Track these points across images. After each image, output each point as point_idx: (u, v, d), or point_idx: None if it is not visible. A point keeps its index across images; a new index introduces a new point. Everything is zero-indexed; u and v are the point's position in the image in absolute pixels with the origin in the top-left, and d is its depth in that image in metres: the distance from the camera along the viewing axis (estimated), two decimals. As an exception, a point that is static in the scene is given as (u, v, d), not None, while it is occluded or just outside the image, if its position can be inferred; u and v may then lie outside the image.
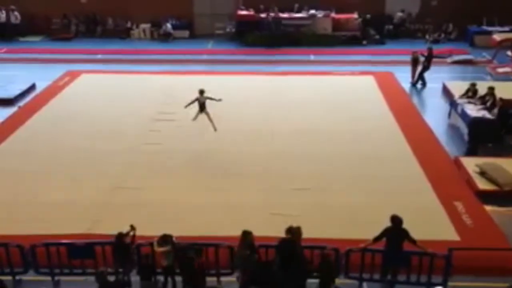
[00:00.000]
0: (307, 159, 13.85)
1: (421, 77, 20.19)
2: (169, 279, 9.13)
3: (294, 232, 8.68)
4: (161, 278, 9.21)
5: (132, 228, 9.14)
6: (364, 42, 26.92)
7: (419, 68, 20.28)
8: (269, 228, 10.41)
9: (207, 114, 14.68)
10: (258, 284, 8.30)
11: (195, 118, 14.76)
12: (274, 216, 11.18)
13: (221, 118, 16.52)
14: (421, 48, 21.51)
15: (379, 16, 28.39)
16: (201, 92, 14.52)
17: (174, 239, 9.02)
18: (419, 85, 20.25)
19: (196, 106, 14.67)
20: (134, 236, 9.14)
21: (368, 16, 27.67)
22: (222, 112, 17.01)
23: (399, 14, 28.21)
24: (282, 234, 9.92)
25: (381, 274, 9.25)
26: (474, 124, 14.92)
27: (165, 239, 8.93)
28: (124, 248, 9.01)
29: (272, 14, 26.83)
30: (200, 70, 22.33)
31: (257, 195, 12.17)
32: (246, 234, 8.72)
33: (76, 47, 26.66)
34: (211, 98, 14.61)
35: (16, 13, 27.95)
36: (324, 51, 25.37)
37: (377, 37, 27.40)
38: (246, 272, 8.65)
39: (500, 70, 21.45)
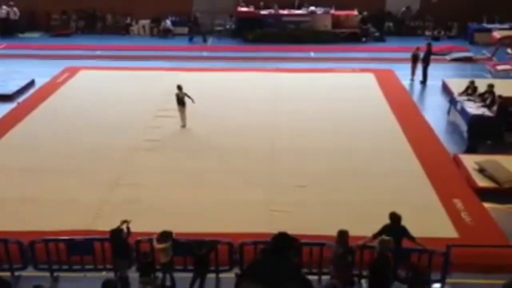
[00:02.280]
0: (307, 156, 13.85)
1: (425, 74, 20.16)
2: (168, 276, 9.13)
3: (384, 243, 8.42)
4: (160, 274, 9.21)
5: (124, 222, 9.11)
6: (364, 39, 26.90)
7: (419, 65, 20.28)
8: (269, 224, 10.44)
9: (183, 110, 15.30)
10: (254, 280, 8.20)
11: (183, 117, 15.41)
12: (274, 213, 11.20)
13: (221, 114, 16.58)
14: (422, 45, 21.47)
15: (379, 13, 28.38)
16: (179, 87, 15.22)
17: (173, 235, 9.02)
18: (419, 82, 20.22)
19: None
20: (128, 229, 9.10)
21: (365, 13, 27.61)
22: (221, 109, 17.07)
23: (403, 9, 28.19)
24: (281, 231, 9.94)
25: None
26: (473, 121, 14.92)
27: (164, 235, 8.93)
28: (122, 244, 9.01)
29: (197, 14, 27.14)
30: (199, 67, 22.29)
31: (257, 191, 12.16)
32: (342, 233, 8.59)
33: (76, 43, 26.67)
34: (188, 96, 15.30)
35: (15, 9, 27.91)
36: (324, 48, 25.35)
37: (377, 34, 27.37)
38: (340, 271, 8.54)
39: (500, 67, 21.48)
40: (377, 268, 8.30)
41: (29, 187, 12.34)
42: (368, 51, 25.21)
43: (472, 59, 23.44)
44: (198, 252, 8.89)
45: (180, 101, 15.23)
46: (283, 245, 7.84)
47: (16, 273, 9.49)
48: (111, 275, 9.11)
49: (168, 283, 9.11)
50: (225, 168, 13.29)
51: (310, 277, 8.49)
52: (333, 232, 9.95)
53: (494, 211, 11.45)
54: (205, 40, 27.35)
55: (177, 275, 9.16)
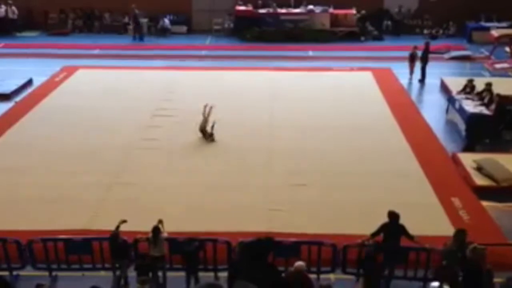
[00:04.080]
0: (305, 155, 13.84)
1: (423, 72, 20.17)
2: (160, 273, 9.09)
3: (477, 253, 8.32)
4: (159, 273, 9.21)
5: (123, 222, 9.12)
6: (362, 38, 26.90)
7: (417, 64, 20.29)
8: (268, 223, 10.45)
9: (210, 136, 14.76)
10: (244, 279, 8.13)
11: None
12: (273, 212, 11.20)
13: (219, 113, 16.55)
14: (420, 43, 21.47)
15: (377, 12, 28.36)
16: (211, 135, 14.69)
17: (162, 228, 9.03)
18: (418, 80, 20.23)
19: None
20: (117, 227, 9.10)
21: (363, 12, 27.59)
22: (219, 108, 17.03)
23: (396, 10, 28.22)
24: (280, 230, 9.97)
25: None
26: (471, 120, 14.93)
27: (154, 231, 8.94)
28: (120, 246, 9.00)
29: (136, 11, 26.72)
30: (198, 66, 22.27)
31: (256, 190, 12.15)
32: (458, 232, 8.61)
33: (73, 42, 26.60)
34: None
35: (13, 8, 27.84)
36: (322, 47, 25.34)
37: (376, 33, 27.37)
38: (447, 267, 8.51)
39: (498, 66, 21.53)
40: (468, 275, 8.14)
41: (27, 186, 12.31)
42: (366, 50, 25.19)
43: (470, 58, 23.43)
44: (186, 248, 8.91)
45: (211, 135, 14.67)
46: (261, 247, 7.85)
47: (15, 273, 9.48)
48: (109, 274, 9.12)
49: (160, 280, 9.10)
50: (223, 167, 13.27)
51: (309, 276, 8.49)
52: (331, 231, 10.04)
53: (492, 209, 11.47)
54: (141, 39, 27.15)
55: (175, 273, 9.15)
